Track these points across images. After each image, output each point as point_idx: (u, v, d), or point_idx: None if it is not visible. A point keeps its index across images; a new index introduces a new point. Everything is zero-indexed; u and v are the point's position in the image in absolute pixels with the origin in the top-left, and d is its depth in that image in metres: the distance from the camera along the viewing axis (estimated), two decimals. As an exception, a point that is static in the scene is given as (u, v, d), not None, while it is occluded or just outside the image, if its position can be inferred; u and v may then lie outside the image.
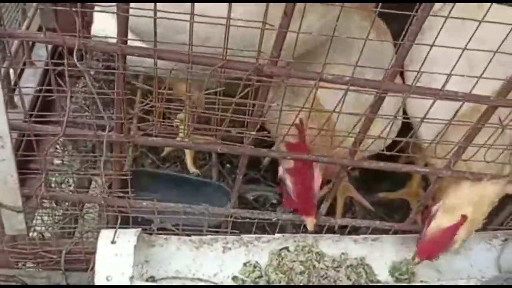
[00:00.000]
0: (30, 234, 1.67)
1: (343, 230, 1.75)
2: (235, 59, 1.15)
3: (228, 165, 2.41)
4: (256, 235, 1.65)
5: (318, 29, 1.29)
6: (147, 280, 1.52)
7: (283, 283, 1.56)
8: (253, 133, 1.26)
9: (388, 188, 2.35)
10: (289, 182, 1.49)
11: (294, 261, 1.62)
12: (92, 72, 2.38)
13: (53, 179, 2.12)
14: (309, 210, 1.52)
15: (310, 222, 1.55)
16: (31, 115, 1.32)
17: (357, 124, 1.31)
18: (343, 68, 1.21)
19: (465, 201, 1.50)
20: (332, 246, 1.66)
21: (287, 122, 1.28)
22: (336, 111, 1.23)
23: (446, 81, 1.22)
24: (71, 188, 2.07)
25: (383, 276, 1.66)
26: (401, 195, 2.24)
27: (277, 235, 1.65)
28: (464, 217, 1.48)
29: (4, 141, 1.24)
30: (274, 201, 2.37)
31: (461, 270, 1.69)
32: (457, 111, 1.29)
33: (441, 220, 1.53)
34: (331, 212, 1.98)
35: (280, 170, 1.53)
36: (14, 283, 1.66)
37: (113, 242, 1.43)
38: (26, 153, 1.40)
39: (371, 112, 1.29)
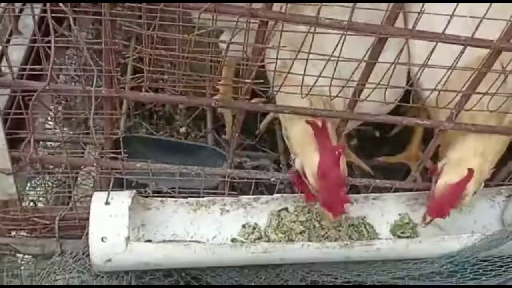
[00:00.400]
0: (23, 203, 1.64)
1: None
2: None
3: (224, 135, 2.37)
4: (254, 196, 1.60)
5: None
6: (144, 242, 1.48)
7: (283, 242, 1.52)
8: (249, 81, 1.21)
9: (387, 154, 2.32)
10: (312, 182, 1.36)
11: (294, 222, 1.58)
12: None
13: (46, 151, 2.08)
14: (339, 209, 1.39)
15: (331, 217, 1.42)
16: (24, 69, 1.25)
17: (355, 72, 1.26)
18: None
19: (471, 154, 1.45)
20: (332, 206, 1.62)
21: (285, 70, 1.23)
22: (335, 56, 1.18)
23: (448, 23, 1.17)
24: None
25: (385, 235, 1.62)
26: (401, 159, 2.20)
27: (275, 195, 1.61)
28: (471, 171, 1.42)
29: (-12, 97, 1.19)
30: (272, 170, 2.34)
31: (464, 227, 1.65)
32: (458, 57, 1.24)
33: (448, 176, 1.47)
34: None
35: (297, 163, 1.41)
36: (7, 252, 1.62)
37: (107, 203, 1.40)
38: (16, 111, 1.34)
39: (371, 59, 1.24)
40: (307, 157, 1.34)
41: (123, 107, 2.04)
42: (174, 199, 1.57)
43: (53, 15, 1.12)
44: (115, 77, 1.23)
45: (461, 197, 1.46)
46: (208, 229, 1.57)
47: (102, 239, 1.35)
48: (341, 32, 1.15)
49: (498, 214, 1.68)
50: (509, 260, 1.49)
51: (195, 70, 1.25)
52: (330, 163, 1.30)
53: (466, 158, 1.46)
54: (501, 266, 1.50)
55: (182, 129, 2.42)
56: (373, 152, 2.35)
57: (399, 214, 1.66)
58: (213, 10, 1.11)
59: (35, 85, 1.26)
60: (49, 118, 2.03)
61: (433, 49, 1.23)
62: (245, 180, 1.57)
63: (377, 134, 2.43)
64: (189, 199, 1.57)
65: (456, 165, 1.47)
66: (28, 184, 1.80)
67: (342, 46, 1.17)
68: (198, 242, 1.53)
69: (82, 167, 1.75)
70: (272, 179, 1.60)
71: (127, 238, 1.35)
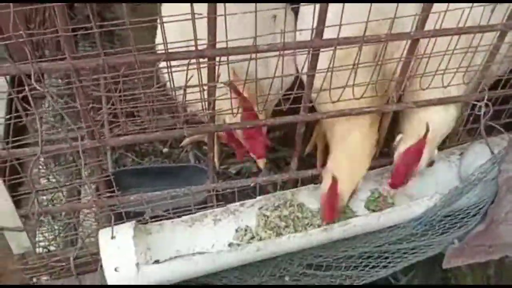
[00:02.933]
0: (37, 250, 1.81)
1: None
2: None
3: (205, 147, 2.56)
4: (240, 202, 1.79)
5: None
6: (153, 264, 1.66)
7: (272, 238, 1.71)
8: (210, 111, 1.39)
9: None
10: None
11: (278, 217, 1.77)
12: (54, 90, 2.49)
13: (44, 197, 2.25)
14: (262, 152, 1.61)
15: (262, 162, 1.65)
16: (7, 142, 1.42)
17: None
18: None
19: (422, 126, 1.63)
20: (310, 196, 1.82)
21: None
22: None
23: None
24: (63, 201, 2.21)
25: (361, 211, 1.82)
26: None
27: (258, 197, 1.80)
28: (424, 137, 1.60)
29: (-9, 171, 1.36)
30: (255, 170, 2.51)
31: (428, 190, 1.85)
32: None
33: (404, 146, 1.66)
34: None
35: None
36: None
37: (112, 237, 1.58)
38: (12, 177, 1.51)
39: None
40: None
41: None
42: (170, 220, 1.75)
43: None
44: (95, 130, 1.41)
45: (418, 164, 1.65)
46: (206, 239, 1.75)
47: (115, 269, 1.53)
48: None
49: (455, 172, 1.89)
50: (468, 211, 1.71)
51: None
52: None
53: (419, 129, 1.63)
54: (463, 218, 1.72)
55: (165, 149, 2.61)
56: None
57: (370, 190, 1.86)
58: (165, 59, 1.29)
59: (26, 151, 1.43)
60: (41, 167, 2.20)
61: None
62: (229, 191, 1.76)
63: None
64: (183, 217, 1.76)
65: (410, 137, 1.65)
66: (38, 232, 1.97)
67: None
68: (200, 253, 1.72)
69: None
70: (251, 184, 1.79)
71: (137, 264, 1.54)
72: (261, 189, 1.84)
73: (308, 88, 1.50)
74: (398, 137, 1.72)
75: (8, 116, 1.96)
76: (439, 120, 1.64)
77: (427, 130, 1.59)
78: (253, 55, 1.32)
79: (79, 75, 1.28)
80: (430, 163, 1.77)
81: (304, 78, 1.52)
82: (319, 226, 1.76)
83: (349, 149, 1.67)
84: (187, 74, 1.27)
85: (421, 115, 1.67)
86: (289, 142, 2.32)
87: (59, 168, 2.00)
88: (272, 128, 2.41)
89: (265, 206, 1.79)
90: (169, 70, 1.30)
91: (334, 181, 1.61)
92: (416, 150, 1.64)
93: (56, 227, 2.00)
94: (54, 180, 2.23)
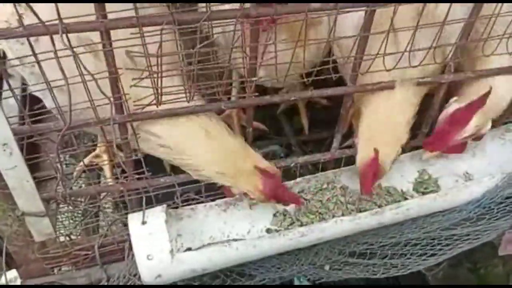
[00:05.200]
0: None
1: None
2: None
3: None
4: (278, 184, 1.65)
5: None
6: (185, 252, 1.53)
7: (315, 222, 1.57)
8: (255, 78, 1.25)
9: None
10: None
11: (320, 201, 1.63)
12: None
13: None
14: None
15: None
16: (27, 116, 1.27)
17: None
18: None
19: (484, 87, 1.46)
20: (353, 178, 1.67)
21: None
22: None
23: None
24: (83, 186, 2.08)
25: (410, 194, 1.67)
26: None
27: (298, 179, 1.66)
28: (482, 99, 1.42)
29: (11, 147, 1.22)
30: (282, 155, 2.37)
31: (481, 170, 1.71)
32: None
33: (455, 105, 1.48)
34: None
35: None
36: (55, 287, 1.66)
37: (143, 223, 1.44)
38: (33, 155, 1.37)
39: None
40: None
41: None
42: (203, 204, 1.61)
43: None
44: (125, 103, 1.26)
45: (462, 129, 1.46)
46: (242, 225, 1.62)
47: (147, 257, 1.39)
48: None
49: (510, 151, 1.73)
50: (532, 192, 1.56)
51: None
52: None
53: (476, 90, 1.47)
54: (526, 200, 1.57)
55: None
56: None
57: (418, 171, 1.71)
58: (207, 19, 1.14)
59: (51, 126, 1.29)
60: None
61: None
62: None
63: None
64: (217, 201, 1.62)
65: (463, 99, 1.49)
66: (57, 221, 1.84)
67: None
68: (235, 240, 1.58)
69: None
70: (292, 164, 1.64)
71: (171, 251, 1.40)
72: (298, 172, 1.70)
73: (361, 53, 1.35)
74: (451, 100, 1.53)
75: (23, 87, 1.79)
76: (505, 88, 1.47)
77: (488, 92, 1.41)
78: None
79: (109, 37, 1.13)
80: (477, 137, 1.59)
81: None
82: (365, 210, 1.61)
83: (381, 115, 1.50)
84: (234, 34, 1.12)
85: (485, 79, 1.49)
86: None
87: (81, 150, 1.85)
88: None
89: (306, 189, 1.65)
90: (211, 30, 1.15)
91: (376, 152, 1.44)
92: (467, 112, 1.45)
93: (76, 215, 1.86)
94: (72, 164, 2.10)
